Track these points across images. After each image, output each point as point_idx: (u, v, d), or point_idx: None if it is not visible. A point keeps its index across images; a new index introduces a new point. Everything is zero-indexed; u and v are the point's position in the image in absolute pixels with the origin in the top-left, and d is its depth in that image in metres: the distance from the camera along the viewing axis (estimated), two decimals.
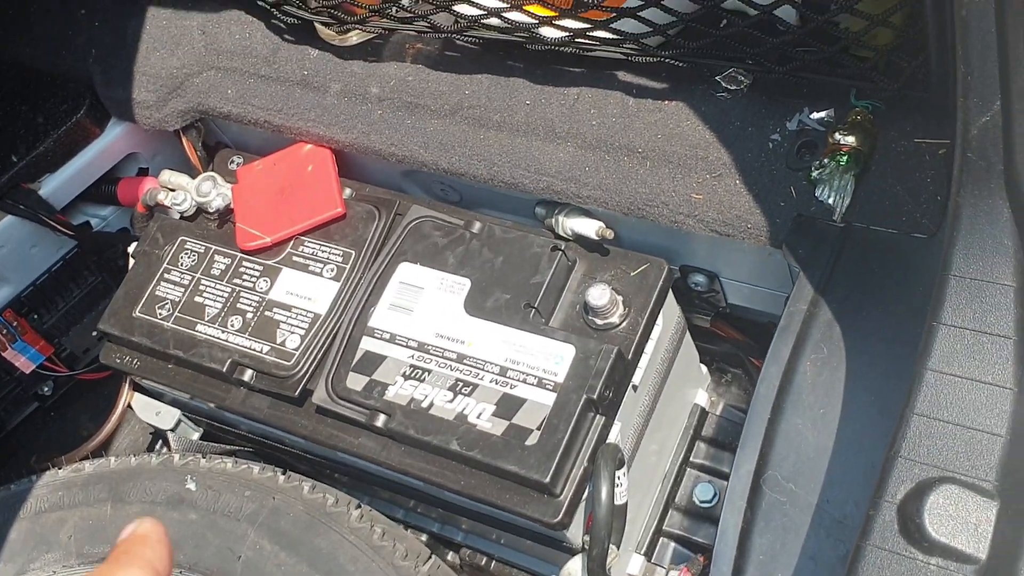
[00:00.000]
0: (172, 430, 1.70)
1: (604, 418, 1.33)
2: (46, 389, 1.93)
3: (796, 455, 1.13)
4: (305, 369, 1.44)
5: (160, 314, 1.54)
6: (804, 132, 1.28)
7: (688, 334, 1.54)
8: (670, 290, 1.42)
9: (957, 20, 0.77)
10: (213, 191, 1.59)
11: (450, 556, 1.67)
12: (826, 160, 1.23)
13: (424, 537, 1.67)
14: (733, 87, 1.31)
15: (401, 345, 1.41)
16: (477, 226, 1.46)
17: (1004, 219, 0.82)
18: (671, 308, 1.46)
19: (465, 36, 1.38)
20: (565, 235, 1.43)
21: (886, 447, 0.94)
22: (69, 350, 1.90)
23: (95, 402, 1.97)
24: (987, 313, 0.85)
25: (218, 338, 1.50)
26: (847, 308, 1.17)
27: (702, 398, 1.64)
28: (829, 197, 1.23)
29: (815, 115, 1.28)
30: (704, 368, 1.66)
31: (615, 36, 1.28)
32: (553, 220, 1.44)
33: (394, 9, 1.41)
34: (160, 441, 1.79)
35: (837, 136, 1.22)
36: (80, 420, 1.99)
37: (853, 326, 1.16)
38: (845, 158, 1.21)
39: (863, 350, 1.15)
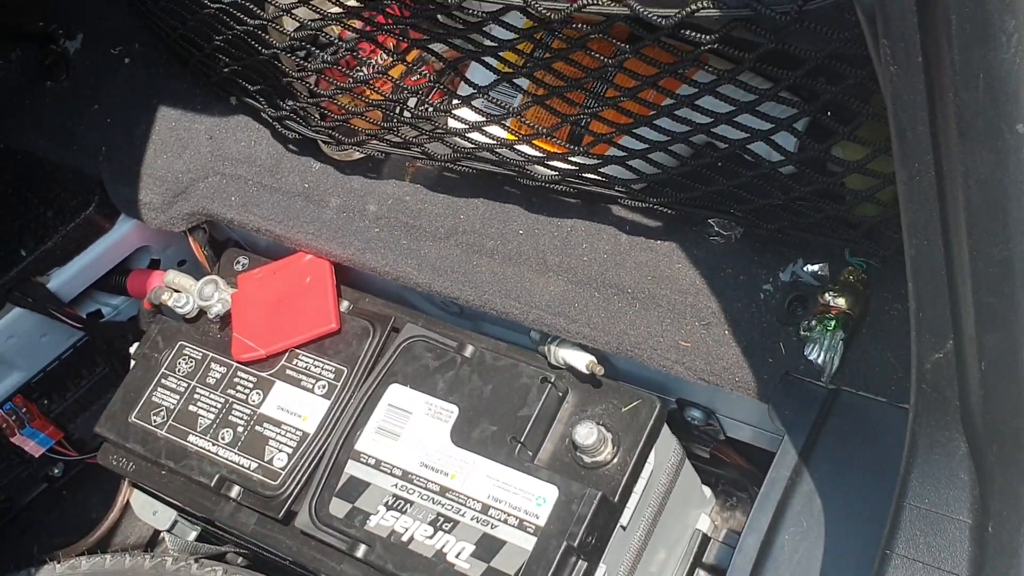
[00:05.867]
0: (168, 530, 1.70)
1: (587, 563, 1.30)
2: (56, 471, 1.94)
3: None
4: (291, 491, 1.43)
5: (155, 421, 1.54)
6: (797, 284, 1.24)
7: (688, 461, 1.50)
8: (665, 423, 1.38)
9: (907, 259, 0.73)
10: (215, 295, 1.59)
11: None
12: (814, 321, 1.18)
13: None
14: (726, 232, 1.27)
15: (386, 472, 1.39)
16: (469, 350, 1.44)
17: (961, 454, 0.78)
18: (666, 442, 1.42)
19: (458, 166, 1.36)
20: (557, 364, 1.40)
21: None
22: (78, 435, 1.91)
23: (106, 484, 1.96)
24: (941, 548, 0.80)
25: (208, 451, 1.50)
26: (830, 479, 1.13)
27: (704, 523, 1.60)
28: (818, 357, 1.18)
29: (809, 268, 1.24)
30: (708, 491, 1.61)
31: (603, 179, 1.25)
32: (546, 348, 1.41)
33: (391, 135, 1.39)
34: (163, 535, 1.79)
35: (827, 297, 1.18)
36: (91, 502, 1.99)
37: (835, 499, 1.11)
38: (833, 322, 1.17)
39: (843, 527, 1.10)
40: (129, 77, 1.77)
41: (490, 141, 1.28)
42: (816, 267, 1.23)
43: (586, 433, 1.32)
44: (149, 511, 1.70)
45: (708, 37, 0.94)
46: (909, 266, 0.73)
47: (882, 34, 0.67)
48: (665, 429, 1.40)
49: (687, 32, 0.95)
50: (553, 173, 1.29)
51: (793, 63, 0.98)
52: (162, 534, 1.73)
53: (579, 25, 1.07)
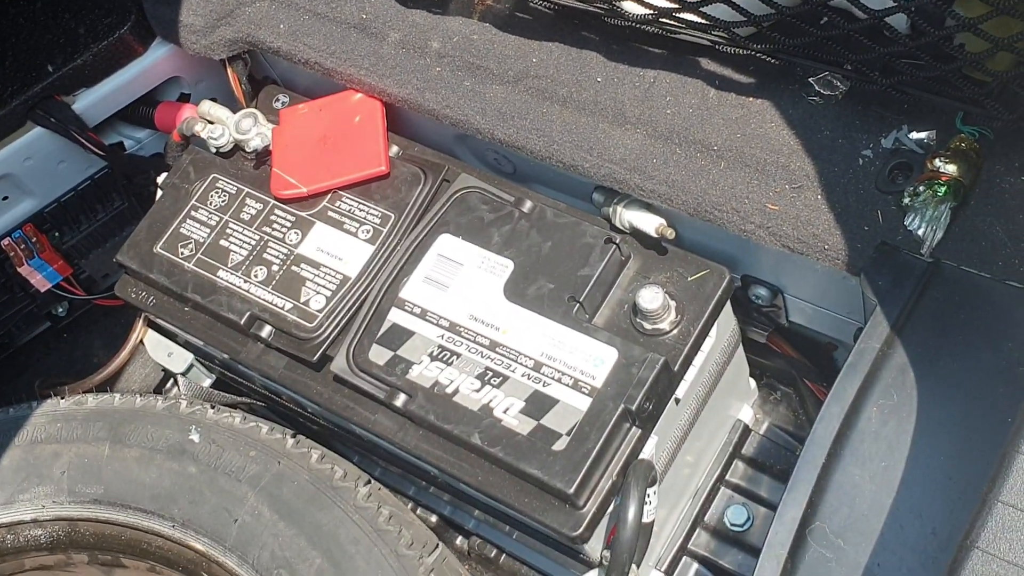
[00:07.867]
0: (183, 374, 1.62)
1: (640, 431, 1.24)
2: (60, 310, 1.85)
3: (849, 509, 1.03)
4: (327, 334, 1.35)
5: (182, 253, 1.46)
6: (899, 152, 1.16)
7: (741, 346, 1.43)
8: (728, 301, 1.31)
9: None
10: (253, 129, 1.49)
11: (459, 541, 1.59)
12: (921, 187, 1.11)
13: (433, 518, 1.59)
14: (827, 92, 1.19)
15: (431, 323, 1.31)
16: (528, 205, 1.35)
17: None
18: (727, 319, 1.36)
19: (537, 3, 1.26)
20: (622, 227, 1.33)
21: (959, 529, 0.84)
22: (88, 273, 1.82)
23: (110, 329, 1.90)
24: None
25: (239, 287, 1.41)
26: (925, 354, 1.07)
27: (747, 414, 1.54)
28: (920, 228, 1.11)
29: (914, 135, 1.16)
30: (753, 383, 1.55)
31: (703, 21, 1.16)
32: (611, 209, 1.33)
33: None
34: (171, 382, 1.71)
35: (937, 163, 1.11)
36: (93, 346, 1.91)
37: (929, 376, 1.05)
38: (943, 188, 1.09)
39: (938, 404, 1.04)
40: None
41: None
42: (923, 135, 1.16)
43: (651, 297, 1.25)
44: (163, 352, 1.63)
45: None
46: None
47: None
48: (727, 306, 1.33)
49: None
50: (648, 11, 1.20)
51: None
52: (175, 378, 1.66)
53: None
